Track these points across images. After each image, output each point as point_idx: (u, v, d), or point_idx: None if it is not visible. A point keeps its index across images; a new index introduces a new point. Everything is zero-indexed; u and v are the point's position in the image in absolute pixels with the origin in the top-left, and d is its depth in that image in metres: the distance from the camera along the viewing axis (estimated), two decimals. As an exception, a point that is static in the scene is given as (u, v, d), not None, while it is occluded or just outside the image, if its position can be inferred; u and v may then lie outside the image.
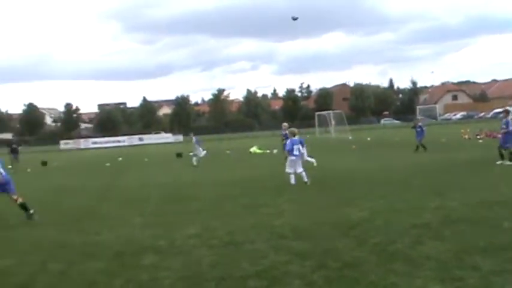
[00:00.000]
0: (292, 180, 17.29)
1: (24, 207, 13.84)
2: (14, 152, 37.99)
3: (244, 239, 9.84)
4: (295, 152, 17.54)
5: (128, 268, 8.22)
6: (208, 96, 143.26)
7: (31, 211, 13.78)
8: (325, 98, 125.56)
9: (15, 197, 13.94)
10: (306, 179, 17.24)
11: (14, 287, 7.69)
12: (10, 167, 36.30)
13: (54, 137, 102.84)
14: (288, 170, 17.59)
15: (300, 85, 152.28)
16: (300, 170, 17.51)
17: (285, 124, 26.01)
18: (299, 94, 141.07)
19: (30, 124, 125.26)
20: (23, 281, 7.96)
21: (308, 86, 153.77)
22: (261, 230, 10.56)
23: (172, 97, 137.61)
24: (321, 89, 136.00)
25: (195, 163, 29.38)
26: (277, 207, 13.27)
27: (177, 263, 8.37)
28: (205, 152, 31.51)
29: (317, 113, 75.12)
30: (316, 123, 73.04)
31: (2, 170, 13.97)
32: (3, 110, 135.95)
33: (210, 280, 7.35)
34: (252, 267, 7.86)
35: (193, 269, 7.97)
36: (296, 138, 17.96)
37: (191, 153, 31.12)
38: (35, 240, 10.92)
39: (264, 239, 9.74)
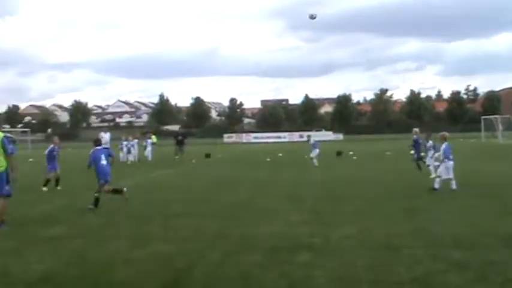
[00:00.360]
0: (453, 186, 16.66)
1: (98, 200, 14.83)
2: (180, 143, 39.70)
3: (401, 243, 9.60)
4: (451, 157, 16.94)
5: (282, 263, 8.30)
6: (370, 96, 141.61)
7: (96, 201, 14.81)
8: (492, 101, 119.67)
9: (108, 187, 15.16)
10: (437, 186, 16.76)
11: (174, 271, 8.02)
12: (177, 157, 38.07)
13: (218, 130, 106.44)
14: (446, 175, 16.92)
15: (466, 87, 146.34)
16: (440, 175, 16.94)
17: (416, 129, 25.20)
18: (465, 97, 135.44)
19: (196, 117, 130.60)
20: (183, 266, 8.29)
21: (475, 89, 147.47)
22: (419, 235, 10.26)
23: (334, 95, 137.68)
24: (488, 92, 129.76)
25: (316, 164, 29.28)
26: (437, 213, 12.84)
27: (332, 262, 8.33)
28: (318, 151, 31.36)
29: (483, 117, 71.85)
30: (482, 128, 69.85)
31: (104, 161, 14.88)
32: (173, 103, 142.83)
33: (364, 282, 7.25)
34: (408, 273, 7.64)
35: (347, 269, 7.90)
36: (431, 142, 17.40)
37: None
38: (195, 229, 11.35)
39: (422, 245, 9.44)
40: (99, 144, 15.50)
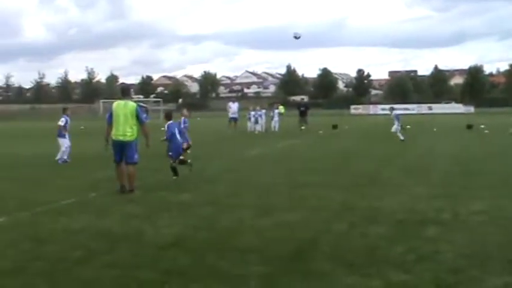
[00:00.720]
0: None
1: (181, 165, 15.20)
2: (302, 114, 39.78)
3: (536, 221, 9.14)
4: None
5: (409, 237, 8.13)
6: (505, 67, 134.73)
7: (190, 162, 15.43)
8: None
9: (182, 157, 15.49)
10: None
11: (300, 240, 8.06)
12: (303, 127, 38.20)
13: (345, 102, 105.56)
14: None
15: None
16: None
17: None
18: None
19: (323, 88, 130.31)
20: (309, 236, 8.33)
21: None
22: (556, 213, 9.73)
23: (465, 66, 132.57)
24: None
25: (401, 137, 28.03)
26: None
27: (461, 238, 8.05)
28: (399, 127, 29.91)
29: None
30: None
31: (178, 135, 15.15)
32: (300, 74, 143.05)
33: (495, 260, 6.96)
34: (544, 253, 7.26)
35: (477, 246, 7.61)
36: None
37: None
38: (321, 200, 11.36)
39: (559, 224, 8.94)
40: (171, 119, 15.92)
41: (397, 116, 29.04)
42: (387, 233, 8.43)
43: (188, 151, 20.67)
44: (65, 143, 19.87)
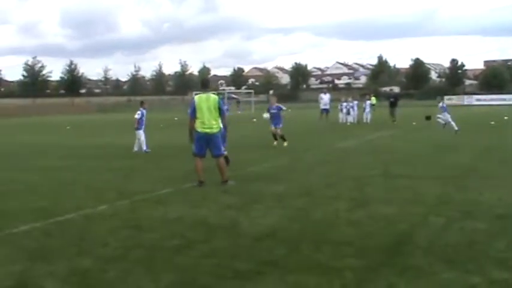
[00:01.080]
0: None
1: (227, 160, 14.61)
2: (392, 105, 39.20)
3: None
4: None
5: (511, 233, 7.86)
6: None
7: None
8: None
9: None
10: None
11: (396, 234, 7.95)
12: (394, 120, 37.61)
13: (438, 92, 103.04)
14: None
15: None
16: None
17: None
18: None
19: (415, 78, 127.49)
20: (405, 229, 8.19)
21: None
22: None
23: None
24: None
25: (456, 128, 27.08)
26: None
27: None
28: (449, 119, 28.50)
29: None
30: None
31: (221, 125, 14.93)
32: (392, 64, 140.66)
33: None
34: None
35: None
36: None
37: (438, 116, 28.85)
38: (416, 192, 11.16)
39: None
40: None
41: (444, 108, 28.53)
42: (487, 228, 8.17)
43: (285, 143, 20.90)
44: (140, 135, 20.43)
